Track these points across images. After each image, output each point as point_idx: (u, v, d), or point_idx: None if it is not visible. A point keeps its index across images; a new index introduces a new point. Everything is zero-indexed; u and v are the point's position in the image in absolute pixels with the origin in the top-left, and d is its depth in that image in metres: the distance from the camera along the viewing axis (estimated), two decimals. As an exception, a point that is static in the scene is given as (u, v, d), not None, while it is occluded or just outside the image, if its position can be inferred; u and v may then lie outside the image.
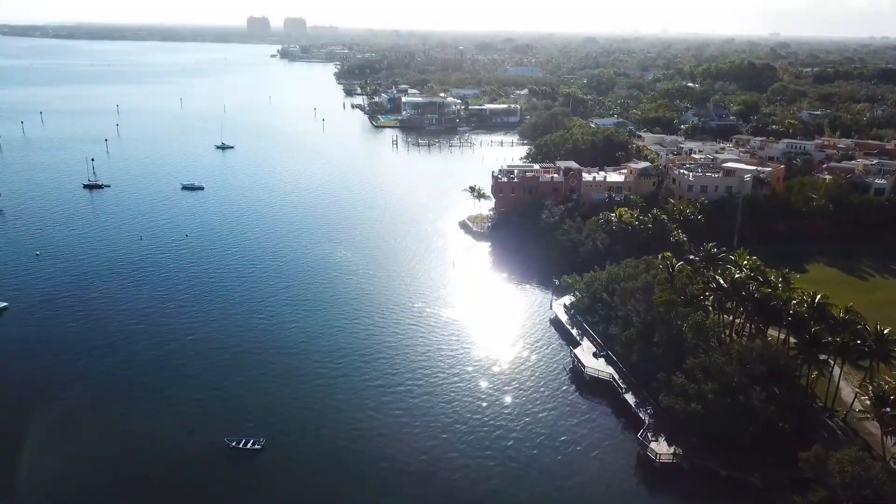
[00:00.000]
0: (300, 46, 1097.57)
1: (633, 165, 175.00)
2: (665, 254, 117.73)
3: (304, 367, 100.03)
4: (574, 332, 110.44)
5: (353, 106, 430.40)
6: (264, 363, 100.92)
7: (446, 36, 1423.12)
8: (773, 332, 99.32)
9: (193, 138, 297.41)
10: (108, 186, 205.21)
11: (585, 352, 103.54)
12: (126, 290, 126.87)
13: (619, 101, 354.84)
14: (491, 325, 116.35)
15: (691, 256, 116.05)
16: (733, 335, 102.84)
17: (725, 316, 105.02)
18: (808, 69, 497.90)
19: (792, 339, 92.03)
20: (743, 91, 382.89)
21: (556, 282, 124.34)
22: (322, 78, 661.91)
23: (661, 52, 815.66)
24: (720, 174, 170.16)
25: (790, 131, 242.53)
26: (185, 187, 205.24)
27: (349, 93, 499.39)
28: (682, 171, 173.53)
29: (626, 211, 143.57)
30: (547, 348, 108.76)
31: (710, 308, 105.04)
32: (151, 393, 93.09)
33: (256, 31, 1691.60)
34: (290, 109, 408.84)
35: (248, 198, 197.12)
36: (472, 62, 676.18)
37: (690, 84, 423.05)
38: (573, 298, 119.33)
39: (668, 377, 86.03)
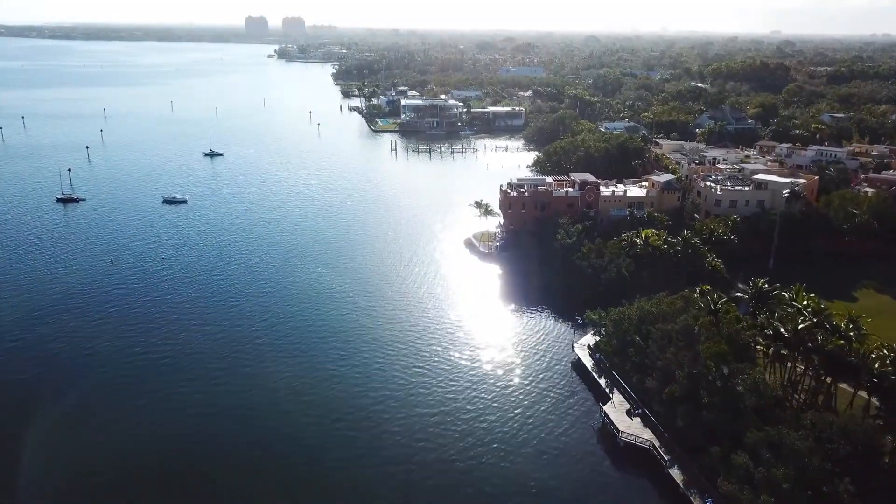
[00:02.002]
0: (298, 46, 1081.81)
1: (655, 178, 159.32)
2: (704, 287, 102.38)
3: (288, 437, 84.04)
4: (602, 381, 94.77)
5: (350, 108, 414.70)
6: (241, 432, 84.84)
7: (445, 35, 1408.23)
8: (842, 385, 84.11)
9: (181, 145, 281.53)
10: (84, 200, 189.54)
11: (617, 409, 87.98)
12: (88, 328, 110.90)
13: (627, 103, 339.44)
14: (505, 370, 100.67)
15: (738, 294, 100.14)
16: (788, 388, 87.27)
17: (779, 364, 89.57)
18: (822, 68, 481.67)
19: (874, 401, 76.56)
20: (756, 92, 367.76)
21: (579, 319, 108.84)
22: (319, 78, 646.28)
23: (665, 51, 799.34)
24: (751, 187, 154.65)
25: (817, 136, 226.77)
26: (166, 201, 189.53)
27: (347, 94, 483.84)
28: (707, 183, 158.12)
29: (652, 232, 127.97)
30: (570, 402, 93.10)
31: (762, 354, 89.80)
32: (101, 468, 77.50)
33: (254, 31, 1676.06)
34: (285, 112, 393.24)
35: (234, 213, 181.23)
36: (473, 62, 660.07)
37: (700, 84, 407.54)
38: (598, 338, 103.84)
39: (725, 453, 70.64)
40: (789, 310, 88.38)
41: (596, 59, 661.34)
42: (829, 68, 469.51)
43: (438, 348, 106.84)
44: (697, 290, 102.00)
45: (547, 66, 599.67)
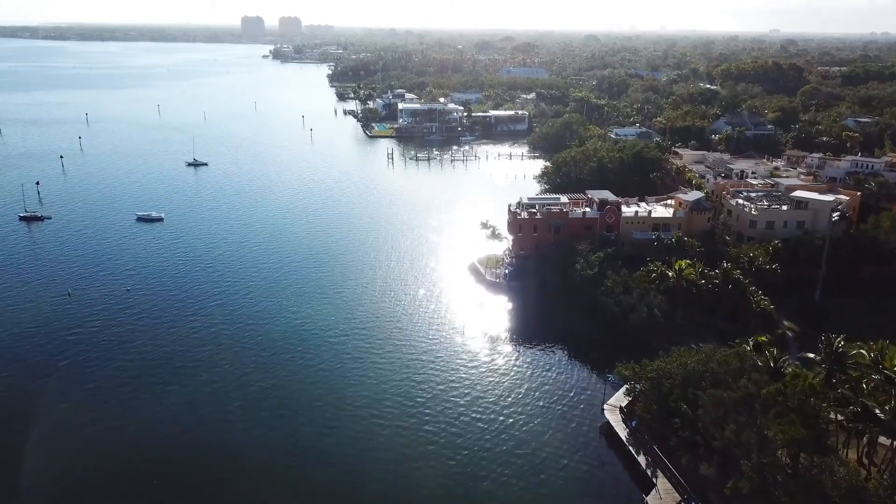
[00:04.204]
0: (293, 46, 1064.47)
1: (681, 196, 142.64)
2: (760, 338, 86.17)
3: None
4: (641, 460, 78.04)
5: (345, 112, 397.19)
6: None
7: (443, 34, 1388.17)
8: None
9: (164, 153, 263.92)
10: (50, 218, 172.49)
11: (664, 500, 71.43)
12: (29, 383, 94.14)
13: (636, 107, 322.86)
14: (527, 439, 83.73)
15: (809, 355, 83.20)
16: (870, 467, 70.82)
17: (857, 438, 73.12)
18: (835, 69, 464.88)
19: None
20: (769, 94, 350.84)
21: (609, 376, 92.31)
22: (314, 80, 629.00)
23: (668, 51, 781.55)
24: (790, 206, 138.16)
25: (847, 144, 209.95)
26: (140, 219, 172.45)
27: (342, 97, 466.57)
28: (739, 201, 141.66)
29: (686, 264, 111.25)
30: (603, 486, 76.49)
31: (835, 427, 73.37)
32: None
33: (250, 31, 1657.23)
34: (277, 116, 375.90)
35: (213, 234, 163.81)
36: (473, 62, 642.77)
37: (710, 86, 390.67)
38: (631, 397, 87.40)
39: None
40: (875, 376, 72.00)
41: (598, 59, 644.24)
42: (842, 68, 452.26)
43: (449, 409, 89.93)
44: (750, 342, 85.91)
45: (549, 67, 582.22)
